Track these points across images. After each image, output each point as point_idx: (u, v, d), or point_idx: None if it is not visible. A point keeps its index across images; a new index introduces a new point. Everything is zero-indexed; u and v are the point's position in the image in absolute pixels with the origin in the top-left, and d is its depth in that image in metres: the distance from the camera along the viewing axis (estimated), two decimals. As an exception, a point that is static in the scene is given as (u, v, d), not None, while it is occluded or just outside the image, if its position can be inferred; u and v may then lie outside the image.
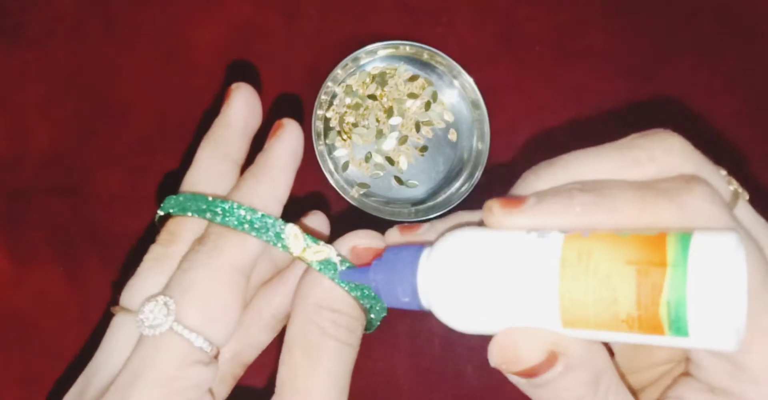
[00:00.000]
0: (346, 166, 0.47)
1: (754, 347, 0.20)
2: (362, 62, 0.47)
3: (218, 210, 0.25)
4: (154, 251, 0.26)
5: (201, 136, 0.47)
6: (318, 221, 0.31)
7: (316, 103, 0.46)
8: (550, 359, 0.21)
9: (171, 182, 0.47)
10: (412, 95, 0.47)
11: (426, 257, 0.23)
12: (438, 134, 0.48)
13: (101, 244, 0.46)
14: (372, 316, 0.26)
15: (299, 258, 0.25)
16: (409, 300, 0.24)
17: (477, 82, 0.47)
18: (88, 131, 0.47)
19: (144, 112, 0.48)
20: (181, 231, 0.26)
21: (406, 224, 0.24)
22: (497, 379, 0.47)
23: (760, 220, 0.24)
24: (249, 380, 0.31)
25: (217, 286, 0.24)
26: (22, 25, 0.48)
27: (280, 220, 0.25)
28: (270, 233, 0.25)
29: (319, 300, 0.25)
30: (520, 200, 0.22)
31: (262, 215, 0.25)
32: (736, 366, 0.21)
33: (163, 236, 0.27)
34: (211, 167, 0.28)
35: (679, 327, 0.19)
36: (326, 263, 0.25)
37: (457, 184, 0.47)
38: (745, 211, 0.23)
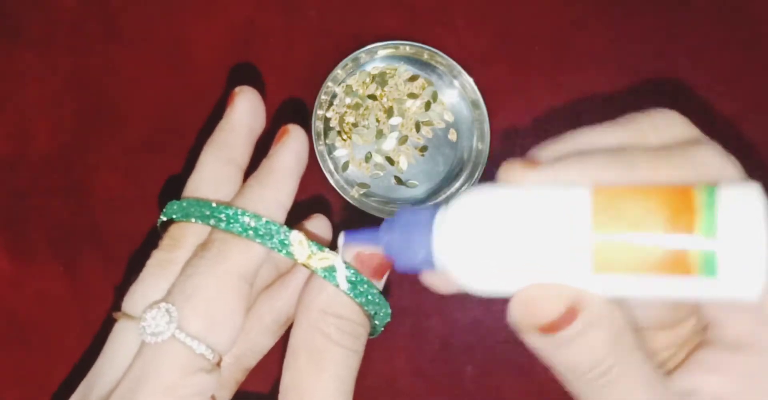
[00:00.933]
0: (346, 166, 0.47)
1: None
2: (362, 62, 0.47)
3: (222, 216, 0.25)
4: (157, 257, 0.26)
5: (201, 136, 0.47)
6: (320, 224, 0.31)
7: (316, 103, 0.46)
8: (570, 314, 0.20)
9: (173, 185, 0.47)
10: (412, 95, 0.48)
11: (442, 214, 0.22)
12: (438, 134, 0.48)
13: (101, 244, 0.46)
14: (376, 322, 0.26)
15: (304, 265, 0.25)
16: (423, 260, 0.22)
17: (477, 82, 0.47)
18: (88, 131, 0.47)
19: (144, 112, 0.48)
20: (184, 236, 0.26)
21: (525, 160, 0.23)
22: (497, 379, 0.47)
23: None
24: (251, 385, 0.31)
25: (221, 293, 0.24)
26: (22, 25, 0.48)
27: (285, 227, 0.25)
28: (275, 240, 0.25)
29: (324, 306, 0.25)
30: (536, 161, 0.22)
31: (267, 222, 0.25)
32: (758, 314, 0.21)
33: (166, 241, 0.26)
34: (215, 172, 0.28)
35: (709, 266, 0.19)
36: (331, 270, 0.24)
37: (457, 185, 0.47)
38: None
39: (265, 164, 0.28)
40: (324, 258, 0.25)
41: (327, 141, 0.47)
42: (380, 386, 0.47)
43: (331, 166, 0.46)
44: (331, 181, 0.45)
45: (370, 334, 0.26)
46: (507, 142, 0.49)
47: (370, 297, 0.25)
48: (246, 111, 0.29)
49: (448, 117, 0.48)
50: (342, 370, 0.24)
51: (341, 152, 0.47)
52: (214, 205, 0.26)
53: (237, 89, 0.30)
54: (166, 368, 0.23)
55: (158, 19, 0.48)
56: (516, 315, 0.21)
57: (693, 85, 0.51)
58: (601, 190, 0.21)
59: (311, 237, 0.25)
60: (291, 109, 0.48)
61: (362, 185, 0.47)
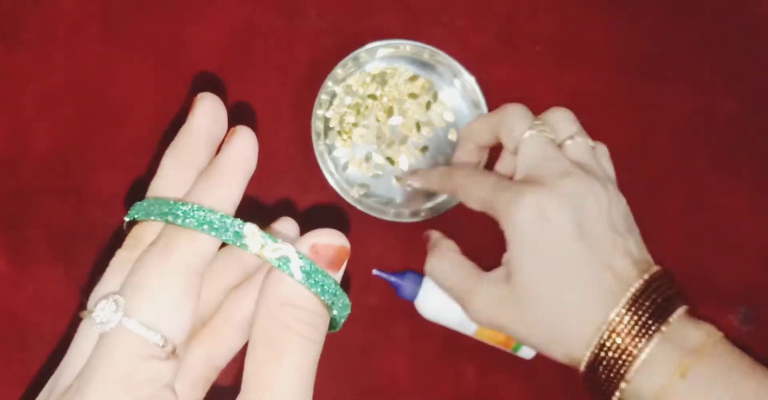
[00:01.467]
0: (346, 166, 0.47)
1: None
2: (362, 62, 0.47)
3: (179, 213, 0.26)
4: (119, 256, 0.27)
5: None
6: (287, 225, 0.32)
7: (316, 103, 0.46)
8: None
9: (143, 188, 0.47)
10: (413, 95, 0.47)
11: (426, 280, 0.46)
12: (438, 134, 0.48)
13: (101, 244, 0.46)
14: (335, 312, 0.26)
15: (258, 256, 0.25)
16: (411, 297, 0.46)
17: (477, 82, 0.47)
18: (87, 131, 0.47)
19: (144, 112, 0.48)
20: (144, 235, 0.27)
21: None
22: (497, 379, 0.47)
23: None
24: (226, 382, 0.31)
25: (167, 282, 0.25)
26: (22, 25, 0.48)
27: (239, 220, 0.26)
28: (229, 233, 0.25)
29: (281, 297, 0.25)
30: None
31: (221, 216, 0.26)
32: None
33: (128, 241, 0.27)
34: (175, 176, 0.28)
35: (517, 347, 0.47)
36: (285, 260, 0.25)
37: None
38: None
39: (213, 162, 0.28)
40: (277, 249, 0.25)
41: (327, 141, 0.47)
42: (381, 385, 0.47)
43: (331, 167, 0.46)
44: (331, 182, 0.45)
45: (332, 327, 0.27)
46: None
47: (325, 287, 0.26)
48: (205, 116, 0.30)
49: (449, 117, 0.48)
50: (301, 359, 0.25)
51: (341, 152, 0.47)
52: (171, 202, 0.26)
53: (198, 96, 0.30)
54: (117, 355, 0.24)
55: (158, 19, 0.48)
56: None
57: (693, 85, 0.51)
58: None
59: (268, 231, 0.26)
60: (291, 108, 0.48)
61: (362, 185, 0.47)
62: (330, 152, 0.47)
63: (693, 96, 0.51)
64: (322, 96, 0.46)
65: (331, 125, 0.47)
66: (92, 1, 0.48)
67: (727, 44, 0.52)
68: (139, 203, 0.28)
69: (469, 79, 0.47)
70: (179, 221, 0.26)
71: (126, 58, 0.48)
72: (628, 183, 0.50)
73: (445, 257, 0.42)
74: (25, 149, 0.47)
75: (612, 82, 0.51)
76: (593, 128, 0.50)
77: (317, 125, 0.46)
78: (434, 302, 0.45)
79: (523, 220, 0.37)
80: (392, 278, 0.46)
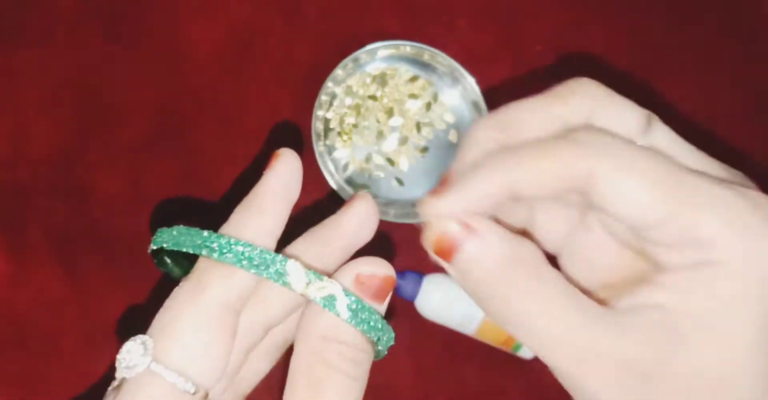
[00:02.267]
0: (346, 167, 0.47)
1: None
2: (363, 63, 0.47)
3: (215, 246, 0.24)
4: (185, 286, 0.25)
5: (201, 136, 0.47)
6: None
7: (316, 104, 0.46)
8: (465, 231, 0.23)
9: (173, 185, 0.47)
10: (413, 96, 0.47)
11: (426, 280, 0.47)
12: (439, 135, 0.48)
13: (101, 244, 0.46)
14: (380, 347, 0.25)
15: (302, 295, 0.24)
16: (412, 296, 0.46)
17: (478, 83, 0.47)
18: (88, 131, 0.47)
19: (144, 112, 0.48)
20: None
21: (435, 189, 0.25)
22: (497, 379, 0.47)
23: (678, 139, 0.25)
24: None
25: (199, 323, 0.24)
26: (22, 25, 0.48)
27: (281, 255, 0.24)
28: (270, 270, 0.24)
29: (324, 332, 0.24)
30: (445, 180, 0.23)
31: (261, 251, 0.24)
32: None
33: (194, 274, 0.25)
34: (240, 232, 0.26)
35: (516, 347, 0.48)
36: (330, 299, 0.24)
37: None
38: (661, 131, 0.25)
39: (254, 190, 0.27)
40: (323, 287, 0.24)
41: (327, 142, 0.47)
42: (381, 385, 0.47)
43: (332, 167, 0.46)
44: (331, 182, 0.45)
45: (375, 357, 0.26)
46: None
47: (372, 324, 0.24)
48: (283, 174, 0.28)
49: (449, 118, 0.48)
50: (343, 398, 0.24)
51: (341, 153, 0.47)
52: (205, 233, 0.24)
53: (279, 151, 0.29)
54: None
55: (158, 19, 0.48)
56: (426, 243, 0.24)
57: (693, 85, 0.51)
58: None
59: (308, 265, 0.25)
60: (291, 109, 0.48)
61: (363, 186, 0.47)
62: (330, 153, 0.47)
63: (693, 96, 0.51)
64: (323, 97, 0.46)
65: (331, 126, 0.47)
66: (92, 1, 0.48)
67: (727, 44, 0.52)
68: (166, 230, 0.26)
69: (469, 80, 0.47)
70: (215, 255, 0.24)
71: (126, 58, 0.48)
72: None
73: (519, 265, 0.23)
74: (25, 149, 0.47)
75: (612, 82, 0.50)
76: (593, 128, 0.50)
77: (317, 126, 0.46)
78: (434, 302, 0.45)
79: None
80: None
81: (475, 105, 0.47)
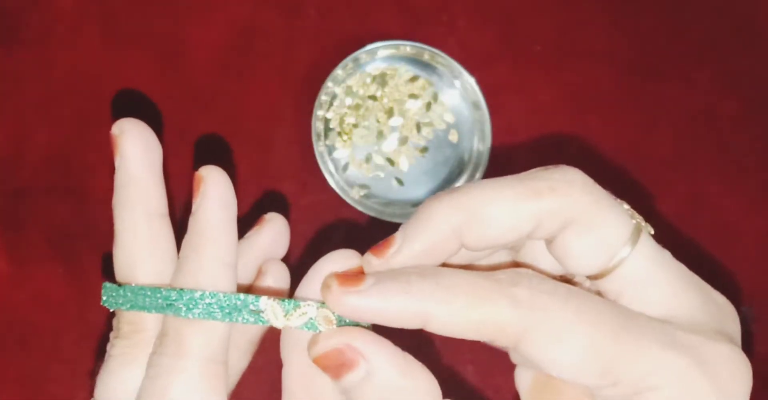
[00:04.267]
0: (346, 167, 0.47)
1: None
2: (363, 63, 0.47)
3: (180, 305, 0.23)
4: (120, 345, 0.25)
5: (201, 136, 0.47)
6: (276, 225, 0.29)
7: (316, 104, 0.46)
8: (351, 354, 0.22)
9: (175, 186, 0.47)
10: (413, 96, 0.47)
11: None
12: (439, 135, 0.48)
13: (101, 244, 0.46)
14: None
15: (284, 327, 0.23)
16: None
17: (478, 83, 0.47)
18: (88, 131, 0.47)
19: (144, 112, 0.48)
20: (141, 320, 0.25)
21: (377, 245, 0.24)
22: (497, 379, 0.47)
23: (661, 256, 0.24)
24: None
25: (192, 389, 0.23)
26: (22, 25, 0.48)
27: (251, 296, 0.23)
28: (244, 314, 0.23)
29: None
30: (358, 278, 0.22)
31: (228, 297, 0.23)
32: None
33: (124, 327, 0.25)
34: (140, 234, 0.25)
35: None
36: (311, 324, 0.23)
37: (457, 186, 0.47)
38: (645, 247, 0.24)
39: (192, 226, 0.25)
40: (303, 313, 0.23)
41: (327, 142, 0.47)
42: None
43: (332, 167, 0.46)
44: (331, 183, 0.45)
45: None
46: (508, 143, 0.49)
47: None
48: (137, 146, 0.27)
49: (449, 118, 0.48)
50: None
51: (341, 153, 0.47)
52: (164, 292, 0.23)
53: (115, 129, 0.28)
54: None
55: (158, 19, 0.48)
56: (310, 353, 0.23)
57: (693, 85, 0.51)
58: None
59: (270, 292, 0.25)
60: (291, 109, 0.48)
61: (363, 186, 0.47)
62: (330, 153, 0.47)
63: (693, 96, 0.51)
64: (323, 97, 0.46)
65: (331, 126, 0.47)
66: (92, 1, 0.48)
67: (727, 44, 0.52)
68: (118, 289, 0.25)
69: (469, 80, 0.47)
70: (183, 314, 0.23)
71: (126, 58, 0.48)
72: (628, 183, 0.50)
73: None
74: (25, 149, 0.47)
75: (612, 82, 0.50)
76: (594, 128, 0.50)
77: (317, 126, 0.46)
78: None
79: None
80: None
81: (475, 105, 0.47)
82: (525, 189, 0.22)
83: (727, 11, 0.52)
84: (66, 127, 0.47)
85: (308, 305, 0.23)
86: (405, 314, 0.22)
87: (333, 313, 0.23)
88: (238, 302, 0.23)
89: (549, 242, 0.23)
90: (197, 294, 0.23)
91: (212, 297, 0.23)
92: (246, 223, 0.47)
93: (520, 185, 0.22)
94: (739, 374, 0.22)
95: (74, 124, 0.47)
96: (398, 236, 0.23)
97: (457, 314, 0.21)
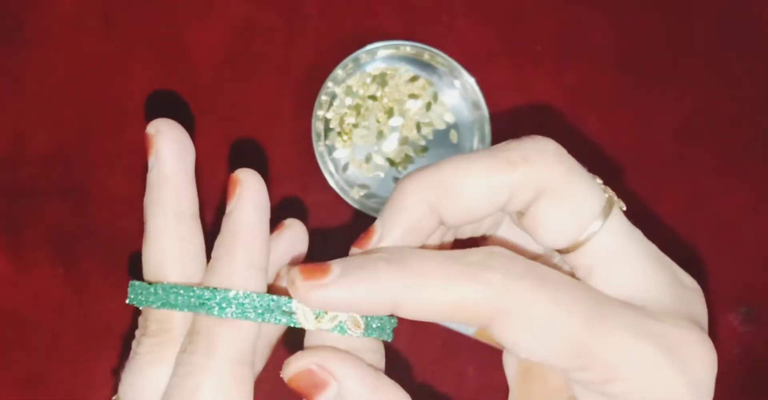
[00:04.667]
0: (346, 167, 0.47)
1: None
2: (363, 63, 0.47)
3: (213, 304, 0.23)
4: (147, 344, 0.25)
5: (201, 136, 0.47)
6: (295, 231, 0.29)
7: (316, 104, 0.46)
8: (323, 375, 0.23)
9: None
10: (413, 96, 0.47)
11: None
12: (439, 135, 0.48)
13: (101, 244, 0.46)
14: (389, 339, 0.25)
15: (316, 329, 0.23)
16: None
17: (477, 82, 0.47)
18: (88, 131, 0.47)
19: (144, 112, 0.48)
20: (170, 319, 0.25)
21: (360, 238, 0.24)
22: (497, 379, 0.47)
23: (632, 233, 0.24)
24: None
25: (222, 390, 0.23)
26: (22, 25, 0.48)
27: (283, 297, 0.23)
28: (276, 314, 0.23)
29: (336, 343, 0.24)
30: (323, 270, 0.22)
31: (261, 297, 0.23)
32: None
33: (152, 326, 0.25)
34: (171, 233, 0.26)
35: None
36: (341, 326, 0.23)
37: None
38: (616, 222, 0.23)
39: (226, 226, 0.25)
40: (333, 317, 0.23)
41: (327, 142, 0.47)
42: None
43: (332, 167, 0.46)
44: (332, 183, 0.45)
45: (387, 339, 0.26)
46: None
47: (378, 326, 0.24)
48: (172, 152, 0.27)
49: (449, 118, 0.48)
50: None
51: (341, 153, 0.47)
52: (197, 291, 0.24)
53: (150, 130, 0.28)
54: None
55: (158, 19, 0.48)
56: (283, 374, 0.23)
57: (693, 85, 0.51)
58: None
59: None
60: (291, 109, 0.48)
61: (363, 186, 0.47)
62: (330, 153, 0.47)
63: (693, 96, 0.51)
64: (323, 97, 0.46)
65: (331, 126, 0.47)
66: (92, 1, 0.48)
67: (727, 44, 0.52)
68: (149, 287, 0.25)
69: (469, 80, 0.47)
70: (215, 312, 0.23)
71: (126, 58, 0.48)
72: (628, 183, 0.50)
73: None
74: (25, 149, 0.47)
75: (612, 82, 0.50)
76: (594, 128, 0.50)
77: (317, 126, 0.46)
78: None
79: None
80: None
81: (475, 105, 0.47)
82: (498, 161, 0.22)
83: (727, 11, 0.52)
84: (66, 127, 0.47)
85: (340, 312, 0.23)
86: (374, 302, 0.21)
87: (361, 316, 0.23)
88: (272, 303, 0.23)
89: (521, 216, 0.23)
90: (231, 294, 0.23)
91: (246, 297, 0.23)
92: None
93: (492, 157, 0.22)
94: (707, 360, 0.22)
95: (74, 124, 0.47)
96: (377, 224, 0.23)
97: (428, 300, 0.21)
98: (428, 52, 0.47)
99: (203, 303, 0.23)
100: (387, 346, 0.47)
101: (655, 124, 0.51)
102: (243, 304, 0.23)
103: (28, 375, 0.45)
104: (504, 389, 0.47)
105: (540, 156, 0.23)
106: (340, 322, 0.23)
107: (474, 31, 0.50)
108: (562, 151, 0.23)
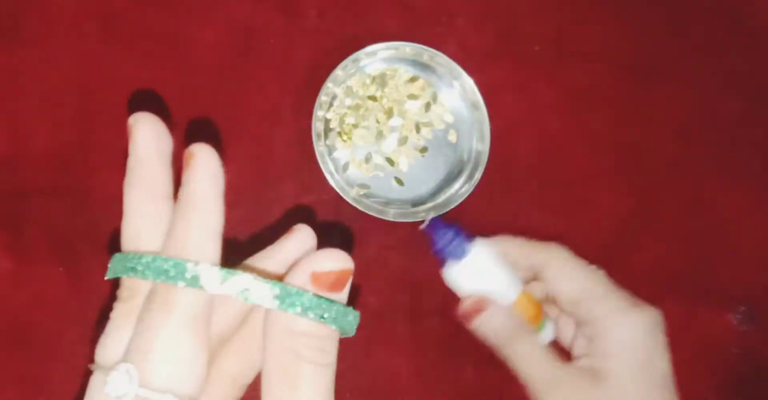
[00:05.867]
0: (346, 167, 0.47)
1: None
2: (362, 63, 0.47)
3: (139, 267, 0.25)
4: (118, 309, 0.26)
5: (201, 136, 0.47)
6: (303, 236, 0.30)
7: (316, 104, 0.46)
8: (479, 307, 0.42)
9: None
10: (412, 96, 0.47)
11: (476, 245, 0.43)
12: (438, 135, 0.48)
13: (101, 244, 0.46)
14: (344, 329, 0.26)
15: (221, 295, 0.24)
16: (456, 257, 0.42)
17: (477, 83, 0.47)
18: (88, 131, 0.47)
19: (144, 112, 0.48)
20: (137, 285, 0.26)
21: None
22: (497, 379, 0.47)
23: None
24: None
25: (177, 340, 0.24)
26: (22, 25, 0.48)
27: (191, 262, 0.25)
28: (185, 276, 0.24)
29: (287, 325, 0.25)
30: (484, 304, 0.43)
31: (175, 262, 0.24)
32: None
33: (123, 292, 0.26)
34: (145, 212, 0.27)
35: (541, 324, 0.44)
36: (245, 294, 0.24)
37: (457, 185, 0.47)
38: None
39: (181, 195, 0.27)
40: (238, 282, 0.24)
41: (327, 142, 0.47)
42: (380, 386, 0.47)
43: (332, 167, 0.46)
44: (332, 182, 0.45)
45: (345, 334, 0.26)
46: (507, 143, 0.49)
47: (325, 315, 0.25)
48: (149, 138, 0.29)
49: (448, 118, 0.48)
50: (317, 386, 0.24)
51: (341, 153, 0.47)
52: (130, 255, 0.25)
53: (130, 119, 0.29)
54: None
55: (158, 19, 0.48)
56: (461, 309, 0.42)
57: (693, 85, 0.51)
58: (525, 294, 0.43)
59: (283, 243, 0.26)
60: (291, 109, 0.48)
61: (362, 186, 0.47)
62: (330, 153, 0.47)
63: (693, 96, 0.51)
64: (323, 97, 0.46)
65: (331, 126, 0.47)
66: (92, 1, 0.48)
67: (727, 44, 0.52)
68: (112, 257, 0.27)
69: (468, 81, 0.47)
70: (139, 276, 0.25)
71: (126, 59, 0.48)
72: (628, 183, 0.50)
73: (523, 339, 0.41)
74: (25, 149, 0.47)
75: (612, 82, 0.51)
76: (594, 128, 0.50)
77: (317, 126, 0.46)
78: (481, 268, 0.43)
79: (638, 333, 0.39)
80: (446, 230, 0.42)
81: (474, 105, 0.47)
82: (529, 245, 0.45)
83: (728, 11, 0.52)
84: (66, 127, 0.47)
85: (246, 274, 0.24)
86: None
87: (270, 286, 0.24)
88: (179, 267, 0.24)
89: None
90: (151, 258, 0.25)
91: (161, 261, 0.25)
92: (248, 222, 0.48)
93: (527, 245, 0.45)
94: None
95: (75, 124, 0.47)
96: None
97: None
98: (428, 53, 0.47)
99: (132, 268, 0.25)
100: (387, 345, 0.47)
101: (655, 124, 0.51)
102: (159, 267, 0.25)
103: (28, 375, 0.45)
104: (504, 389, 0.47)
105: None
106: (245, 289, 0.24)
107: (474, 31, 0.50)
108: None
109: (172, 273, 0.24)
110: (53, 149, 0.47)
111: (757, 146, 0.51)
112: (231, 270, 0.25)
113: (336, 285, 0.26)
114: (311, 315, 0.25)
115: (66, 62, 0.48)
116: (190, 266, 0.24)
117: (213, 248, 0.26)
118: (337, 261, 0.26)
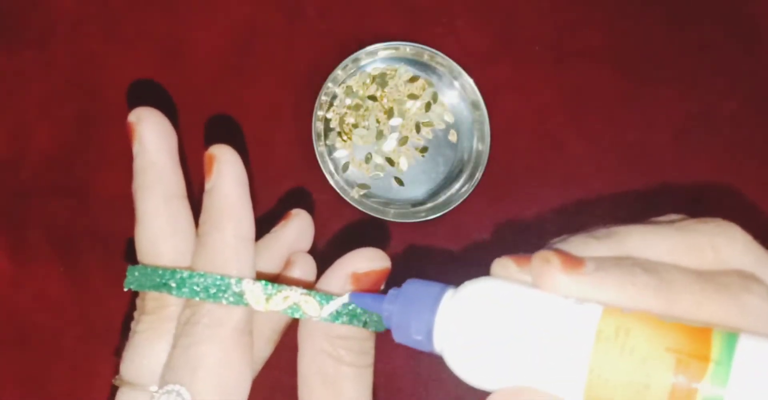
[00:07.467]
0: (346, 167, 0.47)
1: None
2: (362, 63, 0.47)
3: (172, 283, 0.24)
4: (146, 321, 0.25)
5: (201, 136, 0.47)
6: (302, 223, 0.30)
7: (316, 104, 0.46)
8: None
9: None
10: (413, 96, 0.47)
11: (450, 298, 0.23)
12: (438, 135, 0.48)
13: (101, 244, 0.46)
14: (380, 328, 0.25)
15: (266, 311, 0.24)
16: (422, 339, 0.23)
17: (477, 83, 0.47)
18: (88, 131, 0.47)
19: (145, 107, 0.48)
20: (167, 296, 0.25)
21: (519, 255, 0.22)
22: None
23: None
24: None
25: (226, 357, 0.24)
26: (22, 25, 0.48)
27: (234, 278, 0.24)
28: (227, 295, 0.24)
29: (327, 329, 0.24)
30: (580, 261, 0.21)
31: (212, 277, 0.24)
32: None
33: (150, 303, 0.26)
34: (160, 214, 0.26)
35: None
36: (294, 309, 0.24)
37: (457, 185, 0.47)
38: None
39: (210, 202, 0.26)
40: (285, 298, 0.23)
41: (327, 142, 0.47)
42: (380, 385, 0.47)
43: (332, 167, 0.46)
44: (332, 182, 0.45)
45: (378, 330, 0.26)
46: (507, 143, 0.49)
47: (365, 319, 0.25)
48: (155, 137, 0.28)
49: (449, 118, 0.48)
50: (359, 389, 0.24)
51: (341, 153, 0.47)
52: (160, 271, 0.24)
53: (131, 118, 0.28)
54: None
55: (158, 19, 0.48)
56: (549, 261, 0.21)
57: (693, 86, 0.51)
58: (611, 314, 0.20)
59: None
60: (291, 109, 0.48)
61: (362, 186, 0.47)
62: (330, 153, 0.47)
63: (693, 96, 0.51)
64: (323, 97, 0.46)
65: (331, 126, 0.47)
66: (92, 1, 0.48)
67: (727, 44, 0.52)
68: (132, 268, 0.26)
69: (469, 80, 0.47)
70: (174, 293, 0.24)
71: (126, 59, 0.48)
72: (628, 183, 0.50)
73: None
74: (25, 149, 0.47)
75: (612, 82, 0.50)
76: (593, 128, 0.50)
77: (317, 126, 0.46)
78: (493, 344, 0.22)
79: None
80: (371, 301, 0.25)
81: (475, 105, 0.47)
82: (685, 244, 0.22)
83: (727, 12, 0.52)
84: (67, 127, 0.47)
85: (291, 289, 0.24)
86: (620, 304, 0.20)
87: (317, 299, 0.23)
88: (221, 284, 0.23)
89: None
90: (187, 274, 0.24)
91: (199, 277, 0.24)
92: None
93: (680, 237, 0.22)
94: None
95: (75, 124, 0.47)
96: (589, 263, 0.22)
97: (677, 314, 0.20)
98: (428, 53, 0.47)
99: (165, 284, 0.24)
100: (386, 345, 0.47)
101: (655, 124, 0.51)
102: (197, 284, 0.23)
103: (28, 375, 0.45)
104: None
105: (730, 246, 0.22)
106: (294, 303, 0.23)
107: (473, 31, 0.50)
108: (750, 241, 0.23)
109: (213, 291, 0.23)
110: (54, 149, 0.47)
111: (757, 146, 0.51)
112: (275, 286, 0.24)
113: (376, 285, 0.25)
114: (356, 323, 0.24)
115: (66, 62, 0.48)
116: (233, 283, 0.23)
117: (249, 257, 0.25)
118: (376, 261, 0.25)
